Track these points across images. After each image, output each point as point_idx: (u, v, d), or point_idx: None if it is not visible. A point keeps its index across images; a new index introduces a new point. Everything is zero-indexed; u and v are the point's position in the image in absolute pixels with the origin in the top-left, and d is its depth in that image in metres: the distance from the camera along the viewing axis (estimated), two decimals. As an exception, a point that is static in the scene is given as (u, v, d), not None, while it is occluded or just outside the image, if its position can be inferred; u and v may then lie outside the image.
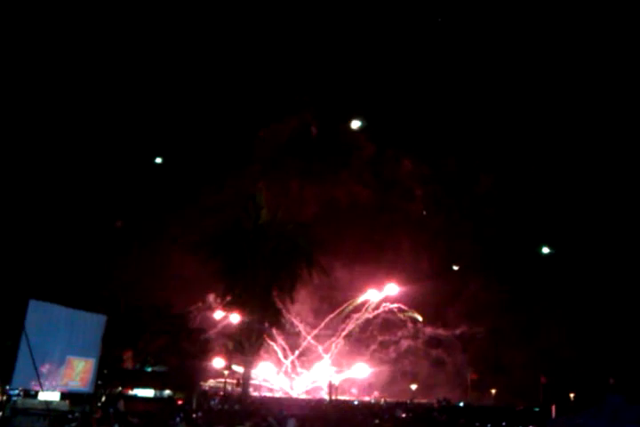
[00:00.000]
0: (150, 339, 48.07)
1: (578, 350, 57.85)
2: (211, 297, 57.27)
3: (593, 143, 58.90)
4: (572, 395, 54.56)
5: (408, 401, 53.56)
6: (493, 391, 58.81)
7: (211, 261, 44.99)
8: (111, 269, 53.24)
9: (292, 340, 62.78)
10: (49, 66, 53.83)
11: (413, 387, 58.81)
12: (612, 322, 56.46)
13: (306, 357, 62.63)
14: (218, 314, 59.77)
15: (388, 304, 62.67)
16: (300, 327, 62.45)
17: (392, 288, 62.07)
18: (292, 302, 47.55)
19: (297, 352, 62.30)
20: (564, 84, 59.56)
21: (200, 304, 60.80)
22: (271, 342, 59.26)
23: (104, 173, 58.44)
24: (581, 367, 56.53)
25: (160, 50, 59.03)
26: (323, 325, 62.59)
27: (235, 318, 46.78)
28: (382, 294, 62.38)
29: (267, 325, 46.25)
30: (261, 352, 59.39)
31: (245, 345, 44.40)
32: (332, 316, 62.56)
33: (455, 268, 65.32)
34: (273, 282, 44.86)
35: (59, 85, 54.68)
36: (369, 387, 60.82)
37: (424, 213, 68.24)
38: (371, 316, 62.74)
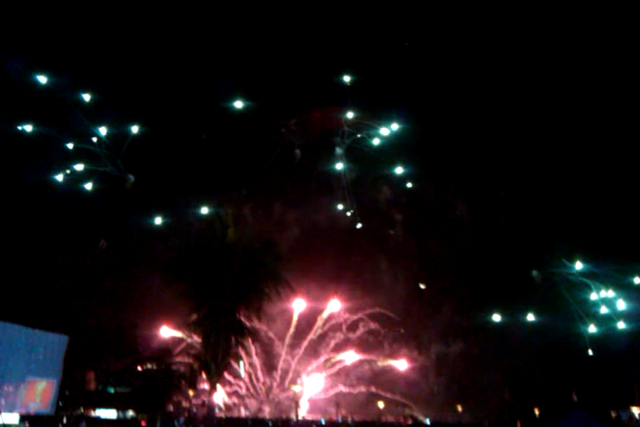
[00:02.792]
0: (113, 359, 47.40)
1: (541, 366, 58.79)
2: (176, 317, 56.88)
3: (567, 173, 60.24)
4: (536, 411, 55.14)
5: (375, 419, 53.66)
6: (460, 408, 59.21)
7: (176, 281, 44.53)
8: (74, 288, 52.47)
9: (270, 360, 63.35)
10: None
11: (381, 405, 58.83)
12: (573, 339, 57.53)
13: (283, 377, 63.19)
14: (184, 334, 59.55)
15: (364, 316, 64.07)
16: (281, 349, 63.15)
17: (335, 304, 63.62)
18: (260, 320, 47.38)
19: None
20: (538, 115, 60.99)
21: (166, 324, 60.55)
22: (244, 362, 59.78)
23: (71, 191, 58.05)
24: (545, 383, 57.39)
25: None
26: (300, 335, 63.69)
27: (200, 337, 46.42)
28: (329, 309, 63.74)
29: (233, 344, 45.74)
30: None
31: (211, 365, 43.81)
32: (310, 337, 63.40)
33: (422, 286, 66.08)
34: (239, 301, 44.54)
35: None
36: (336, 406, 60.79)
37: (391, 232, 68.96)
38: (354, 336, 63.86)
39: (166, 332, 60.27)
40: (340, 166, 66.72)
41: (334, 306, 63.91)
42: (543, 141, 60.71)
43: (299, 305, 62.88)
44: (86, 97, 58.92)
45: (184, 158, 60.73)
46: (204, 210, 58.13)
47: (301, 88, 61.17)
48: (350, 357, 63.42)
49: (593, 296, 57.84)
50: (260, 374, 63.39)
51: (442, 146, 63.97)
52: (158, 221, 60.43)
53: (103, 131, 60.11)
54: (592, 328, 57.72)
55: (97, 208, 57.99)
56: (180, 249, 46.31)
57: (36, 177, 54.71)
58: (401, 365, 63.13)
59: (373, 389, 62.15)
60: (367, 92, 62.39)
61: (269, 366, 63.68)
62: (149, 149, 60.43)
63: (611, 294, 57.14)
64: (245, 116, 62.73)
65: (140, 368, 47.69)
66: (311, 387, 63.08)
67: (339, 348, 64.13)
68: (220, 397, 58.53)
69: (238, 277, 43.60)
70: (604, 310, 57.59)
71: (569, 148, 59.32)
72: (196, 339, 51.01)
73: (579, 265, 57.93)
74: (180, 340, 60.56)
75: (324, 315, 64.17)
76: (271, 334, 63.33)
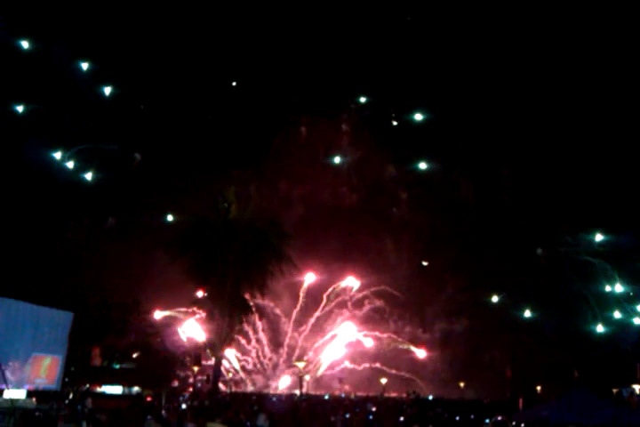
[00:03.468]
0: (118, 336, 47.71)
1: (543, 344, 59.07)
2: (181, 294, 57.12)
3: (572, 149, 59.63)
4: (538, 388, 55.54)
5: (378, 395, 54.14)
6: (462, 385, 59.75)
7: (180, 258, 44.51)
8: (78, 264, 52.60)
9: (277, 337, 63.96)
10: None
11: (384, 381, 59.38)
12: (573, 317, 57.65)
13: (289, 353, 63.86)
14: (188, 310, 59.93)
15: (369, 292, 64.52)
16: (287, 326, 63.69)
17: (351, 281, 63.98)
18: (264, 297, 47.47)
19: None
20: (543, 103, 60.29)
21: (163, 306, 60.94)
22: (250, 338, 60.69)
23: (78, 169, 57.98)
24: (547, 361, 57.71)
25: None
26: (305, 314, 64.65)
27: (204, 314, 46.58)
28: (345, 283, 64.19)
29: (237, 321, 45.89)
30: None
31: (215, 341, 44.03)
32: (317, 314, 63.82)
33: (424, 264, 66.17)
34: (243, 278, 44.56)
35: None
36: (340, 382, 61.38)
37: (394, 209, 68.78)
38: (361, 313, 64.40)
39: (158, 315, 60.58)
40: (344, 145, 66.66)
41: (351, 282, 64.22)
42: (548, 119, 60.18)
43: (309, 278, 63.08)
44: (101, 88, 58.85)
45: (190, 137, 60.53)
46: (209, 187, 57.92)
47: (308, 67, 60.84)
48: (368, 342, 63.88)
49: (599, 275, 57.75)
50: (266, 350, 63.92)
51: (446, 125, 63.57)
52: (163, 205, 60.33)
53: (109, 108, 59.74)
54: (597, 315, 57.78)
55: (104, 186, 57.98)
56: (183, 226, 46.25)
57: (43, 155, 54.56)
58: (420, 353, 63.53)
59: (378, 365, 62.56)
60: (372, 70, 61.94)
61: (276, 342, 64.27)
62: (156, 129, 60.23)
63: (620, 286, 56.93)
64: (251, 95, 62.50)
65: (144, 344, 48.07)
66: (345, 333, 63.91)
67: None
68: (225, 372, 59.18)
69: (242, 255, 43.51)
70: (607, 288, 57.53)
71: (574, 125, 58.77)
72: (202, 315, 51.24)
73: (598, 237, 57.75)
74: (186, 315, 61.02)
75: (341, 287, 64.54)
76: (278, 311, 63.72)
